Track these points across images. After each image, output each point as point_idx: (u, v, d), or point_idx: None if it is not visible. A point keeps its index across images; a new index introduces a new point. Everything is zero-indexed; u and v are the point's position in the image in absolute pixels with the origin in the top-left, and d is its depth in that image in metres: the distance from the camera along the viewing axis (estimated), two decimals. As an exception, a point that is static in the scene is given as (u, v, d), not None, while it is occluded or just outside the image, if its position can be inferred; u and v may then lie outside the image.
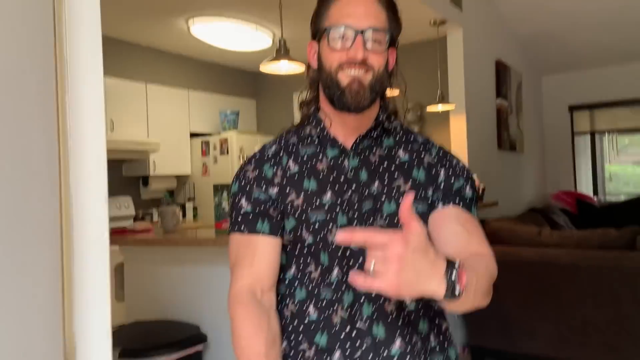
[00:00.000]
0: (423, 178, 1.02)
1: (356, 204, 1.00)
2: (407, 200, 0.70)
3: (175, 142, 4.78)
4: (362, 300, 0.97)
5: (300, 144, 1.06)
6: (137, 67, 4.62)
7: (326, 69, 1.00)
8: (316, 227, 0.99)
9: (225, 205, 2.27)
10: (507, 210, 5.02)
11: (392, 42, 1.03)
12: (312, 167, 1.03)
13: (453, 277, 0.74)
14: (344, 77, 0.98)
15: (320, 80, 1.04)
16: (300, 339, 1.00)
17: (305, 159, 1.04)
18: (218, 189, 2.30)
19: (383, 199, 1.00)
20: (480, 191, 4.10)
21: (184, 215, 4.66)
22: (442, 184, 1.03)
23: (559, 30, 5.42)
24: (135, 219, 4.55)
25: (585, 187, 6.50)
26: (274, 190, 1.02)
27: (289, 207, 1.01)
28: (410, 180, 1.02)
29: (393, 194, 1.00)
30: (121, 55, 4.51)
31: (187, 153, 4.91)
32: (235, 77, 5.60)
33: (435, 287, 0.73)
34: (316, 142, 1.05)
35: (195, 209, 4.76)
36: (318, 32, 1.04)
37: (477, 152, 4.52)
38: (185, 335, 2.14)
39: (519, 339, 3.32)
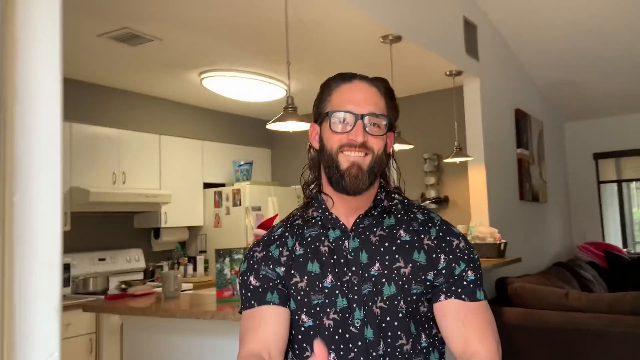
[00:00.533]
0: (424, 261, 1.04)
1: (356, 286, 1.01)
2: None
3: (188, 192, 4.73)
4: None
5: (305, 227, 1.10)
6: (150, 119, 4.63)
7: (327, 150, 1.05)
8: (317, 309, 1.02)
9: (227, 272, 2.15)
10: (531, 265, 4.78)
11: (390, 127, 1.09)
12: (315, 249, 1.06)
13: None
14: (344, 161, 1.03)
15: (321, 160, 1.09)
16: None
17: (309, 240, 1.08)
18: (220, 254, 2.18)
19: (383, 281, 1.01)
20: (503, 247, 3.90)
21: (195, 268, 4.54)
22: (444, 270, 1.04)
23: (580, 77, 5.30)
24: (146, 272, 4.45)
25: (613, 237, 6.22)
26: (281, 269, 1.06)
27: (292, 289, 1.04)
28: (411, 262, 1.03)
29: (393, 276, 1.02)
30: (134, 108, 4.53)
31: (199, 204, 4.84)
32: (249, 126, 5.59)
33: None
34: (320, 224, 1.09)
35: (206, 261, 4.65)
36: (320, 116, 1.09)
37: (498, 204, 4.34)
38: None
39: (547, 412, 3.05)
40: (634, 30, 4.43)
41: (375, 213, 1.08)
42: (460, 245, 1.07)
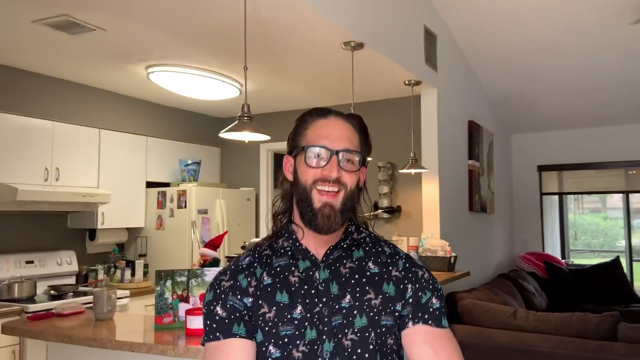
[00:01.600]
0: (393, 292, 1.06)
1: (326, 318, 1.01)
2: None
3: (129, 192, 4.43)
4: None
5: (274, 256, 1.09)
6: (90, 111, 4.30)
7: (302, 184, 1.06)
8: (285, 340, 1.00)
9: (169, 296, 1.95)
10: (478, 277, 4.82)
11: (363, 162, 1.11)
12: (284, 279, 1.05)
13: None
14: (317, 200, 1.04)
15: (294, 193, 1.09)
16: None
17: (278, 270, 1.07)
18: (161, 276, 1.98)
19: (355, 313, 1.02)
20: (453, 260, 3.89)
21: (133, 273, 4.26)
22: (411, 299, 1.06)
23: (529, 92, 5.40)
24: (78, 276, 4.13)
25: (552, 248, 6.42)
26: (248, 300, 1.04)
27: (260, 320, 1.02)
28: (381, 294, 1.05)
29: (364, 308, 1.03)
30: (72, 99, 4.19)
31: (141, 204, 4.55)
32: (198, 123, 5.33)
33: None
34: (289, 254, 1.09)
35: (146, 265, 4.37)
36: (295, 149, 1.10)
37: (449, 216, 4.34)
38: None
39: None
40: (583, 51, 4.53)
41: (345, 245, 1.10)
42: (425, 275, 1.11)
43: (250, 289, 1.06)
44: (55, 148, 3.85)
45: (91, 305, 2.21)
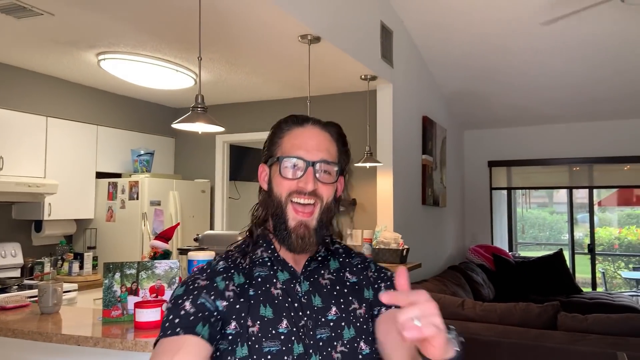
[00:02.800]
0: (372, 296, 1.05)
1: (311, 331, 0.98)
2: (400, 279, 0.76)
3: (78, 182, 4.29)
4: None
5: (253, 266, 1.04)
6: (37, 99, 4.13)
7: (276, 197, 1.03)
8: (269, 358, 0.94)
9: (117, 288, 1.92)
10: (429, 269, 4.95)
11: (342, 172, 1.07)
12: (267, 291, 1.00)
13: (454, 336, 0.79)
14: (292, 217, 1.00)
15: (268, 204, 1.05)
16: None
17: (260, 281, 1.02)
18: (110, 268, 1.94)
19: (342, 325, 1.00)
20: (405, 253, 3.98)
21: (82, 266, 4.14)
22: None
23: (482, 89, 5.56)
24: (24, 268, 3.98)
25: (500, 240, 6.66)
26: (222, 304, 0.97)
27: (245, 333, 0.95)
28: (364, 302, 1.04)
29: (351, 319, 1.01)
30: (18, 85, 4.01)
31: (91, 195, 4.42)
32: (151, 112, 5.21)
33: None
34: (269, 264, 1.04)
35: (95, 258, 4.26)
36: (271, 159, 1.06)
37: (402, 209, 4.43)
38: None
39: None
40: (534, 50, 4.70)
41: (320, 257, 1.07)
42: (388, 273, 1.11)
43: (228, 293, 0.99)
44: (0, 136, 3.69)
45: (36, 299, 2.14)
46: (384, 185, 4.27)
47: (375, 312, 1.03)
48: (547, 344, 2.87)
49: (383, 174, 4.27)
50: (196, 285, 0.99)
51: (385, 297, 0.73)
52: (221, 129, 2.39)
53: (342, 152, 1.07)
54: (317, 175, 1.01)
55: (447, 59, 5.00)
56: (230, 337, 0.95)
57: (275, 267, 1.04)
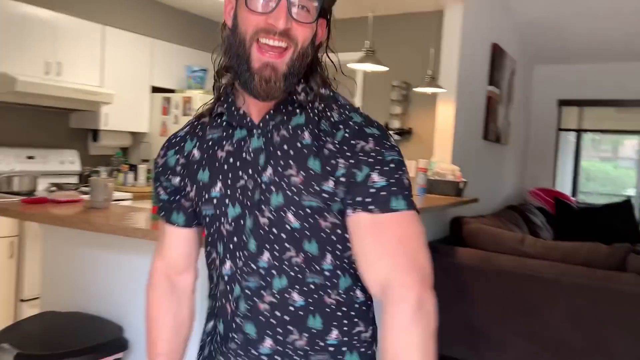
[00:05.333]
0: (318, 169, 0.85)
1: (249, 192, 0.89)
2: None
3: (133, 95, 4.28)
4: (240, 296, 0.91)
5: (209, 127, 0.96)
6: (93, 6, 4.06)
7: (240, 34, 0.85)
8: (207, 221, 0.95)
9: (167, 185, 1.86)
10: (485, 206, 4.74)
11: (324, 13, 0.88)
12: (212, 154, 0.94)
13: None
14: (256, 58, 0.83)
15: (230, 43, 0.88)
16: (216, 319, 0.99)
17: (210, 144, 0.95)
18: (159, 164, 1.88)
19: (272, 189, 0.87)
20: (462, 186, 3.78)
21: (136, 178, 4.20)
22: (343, 178, 0.84)
23: (561, 18, 5.06)
24: (81, 176, 4.08)
25: (561, 185, 6.30)
26: (176, 180, 0.98)
27: (189, 198, 0.98)
28: (303, 170, 0.85)
29: (283, 185, 0.86)
30: (76, -11, 3.94)
31: (145, 109, 4.41)
32: (206, 28, 5.07)
33: None
34: (224, 125, 0.94)
35: (149, 171, 4.30)
36: None
37: (462, 141, 4.18)
38: (103, 338, 1.76)
39: (486, 351, 3.06)
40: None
41: (287, 109, 0.89)
42: (367, 147, 0.85)
43: (178, 168, 0.98)
44: (57, 41, 3.67)
45: (88, 196, 2.14)
46: (445, 114, 4.02)
47: (327, 189, 0.84)
48: (614, 286, 2.67)
49: (444, 102, 4.01)
50: (157, 165, 1.02)
51: None
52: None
53: None
54: (293, 11, 0.82)
55: (526, -19, 4.53)
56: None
57: (232, 125, 0.93)
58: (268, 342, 0.90)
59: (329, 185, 0.85)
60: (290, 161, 0.86)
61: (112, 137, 4.31)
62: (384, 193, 0.83)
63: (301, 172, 0.85)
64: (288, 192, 0.86)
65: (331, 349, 0.90)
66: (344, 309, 0.91)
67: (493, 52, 4.62)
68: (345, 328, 0.91)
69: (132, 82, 4.26)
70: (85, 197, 2.15)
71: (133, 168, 4.25)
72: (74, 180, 4.00)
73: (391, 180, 0.83)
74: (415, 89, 3.85)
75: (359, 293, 0.92)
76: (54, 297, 2.07)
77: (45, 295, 2.11)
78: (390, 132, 4.38)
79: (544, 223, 5.12)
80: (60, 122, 4.07)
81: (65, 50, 3.72)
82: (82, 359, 1.68)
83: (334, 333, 0.90)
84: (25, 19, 3.48)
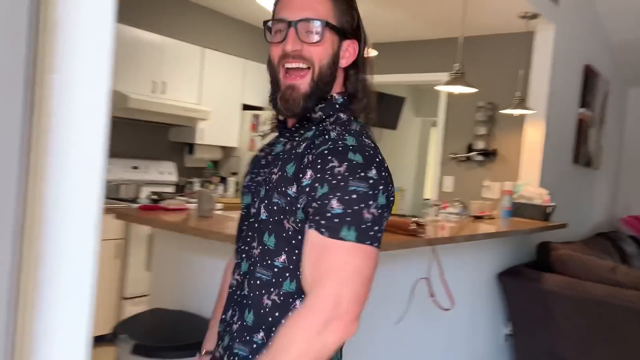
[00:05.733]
0: (290, 173, 0.94)
1: (260, 187, 1.02)
2: None
3: (226, 111, 4.56)
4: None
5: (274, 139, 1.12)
6: (195, 29, 4.39)
7: (272, 63, 1.01)
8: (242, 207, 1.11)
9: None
10: (573, 232, 4.55)
11: (344, 34, 0.99)
12: (259, 159, 1.10)
13: None
14: (283, 82, 0.98)
15: (270, 73, 1.04)
16: None
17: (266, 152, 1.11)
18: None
19: (262, 185, 1.01)
20: (550, 210, 3.68)
21: (226, 189, 4.46)
22: (307, 188, 0.90)
23: (661, 38, 4.82)
24: (177, 186, 4.39)
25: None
26: None
27: None
28: (281, 171, 0.96)
29: (267, 181, 0.99)
30: (178, 15, 4.29)
31: (236, 125, 4.68)
32: (296, 50, 5.30)
33: None
34: (277, 135, 1.10)
35: (237, 183, 4.55)
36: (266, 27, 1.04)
37: (551, 165, 4.08)
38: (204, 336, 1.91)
39: (572, 382, 2.95)
40: None
41: (303, 124, 1.01)
42: (337, 169, 0.87)
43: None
44: (163, 62, 4.01)
45: (193, 205, 2.33)
46: (533, 136, 3.94)
47: (290, 193, 0.93)
48: None
49: (533, 124, 3.94)
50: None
51: None
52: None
53: (340, 10, 0.98)
54: (301, 34, 0.95)
55: (621, 1, 4.38)
56: None
57: (278, 134, 1.08)
58: (232, 316, 1.04)
59: (293, 190, 0.93)
60: (280, 162, 0.99)
61: (206, 151, 4.60)
62: (337, 220, 0.86)
63: (280, 172, 0.97)
64: (267, 187, 0.99)
65: (254, 346, 0.96)
66: (277, 314, 0.95)
67: (585, 74, 4.48)
68: (272, 334, 0.94)
69: (225, 100, 4.55)
70: (191, 206, 2.35)
71: (223, 180, 4.51)
72: (171, 189, 4.31)
73: (348, 210, 0.86)
74: (502, 111, 3.81)
75: (297, 304, 0.95)
76: (160, 295, 2.27)
77: (152, 293, 2.32)
78: (473, 152, 4.34)
79: (637, 252, 4.83)
80: (161, 136, 4.42)
81: (169, 70, 4.06)
82: (188, 353, 1.84)
83: (261, 334, 0.96)
84: (136, 42, 3.84)
